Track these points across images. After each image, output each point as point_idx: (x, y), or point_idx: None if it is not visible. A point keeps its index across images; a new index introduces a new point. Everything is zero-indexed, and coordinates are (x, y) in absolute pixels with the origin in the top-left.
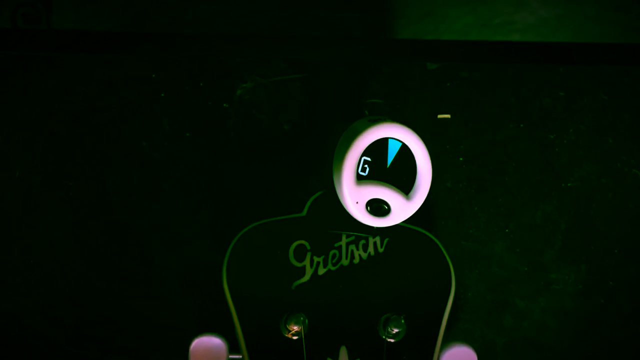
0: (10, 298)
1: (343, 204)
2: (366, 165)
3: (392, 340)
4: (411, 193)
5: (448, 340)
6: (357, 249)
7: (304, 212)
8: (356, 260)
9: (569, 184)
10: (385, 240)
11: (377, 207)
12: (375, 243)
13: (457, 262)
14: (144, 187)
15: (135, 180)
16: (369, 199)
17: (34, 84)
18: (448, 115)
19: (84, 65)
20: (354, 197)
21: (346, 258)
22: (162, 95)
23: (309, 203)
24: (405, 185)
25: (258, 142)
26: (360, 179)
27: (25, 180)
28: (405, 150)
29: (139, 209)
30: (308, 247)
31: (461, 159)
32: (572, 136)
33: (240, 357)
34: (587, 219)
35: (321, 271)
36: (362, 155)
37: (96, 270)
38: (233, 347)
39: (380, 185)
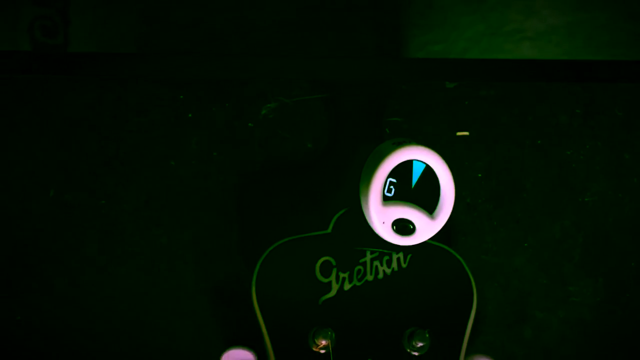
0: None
1: (370, 224)
2: (392, 187)
3: (416, 354)
4: (435, 212)
5: (470, 353)
6: (381, 265)
7: (330, 229)
8: (380, 276)
9: (585, 199)
10: (409, 257)
11: (403, 227)
12: (398, 259)
13: (478, 276)
14: (173, 205)
15: (164, 199)
16: (395, 218)
17: (58, 106)
18: (467, 133)
19: (111, 87)
20: (381, 218)
21: (371, 274)
22: (190, 115)
23: (334, 220)
24: (429, 204)
25: (283, 161)
26: (386, 199)
27: (58, 199)
28: (428, 171)
29: (168, 226)
30: (334, 263)
31: (480, 175)
32: (588, 152)
33: None
34: (604, 234)
35: (347, 287)
36: (388, 177)
37: (126, 287)
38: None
39: (406, 205)
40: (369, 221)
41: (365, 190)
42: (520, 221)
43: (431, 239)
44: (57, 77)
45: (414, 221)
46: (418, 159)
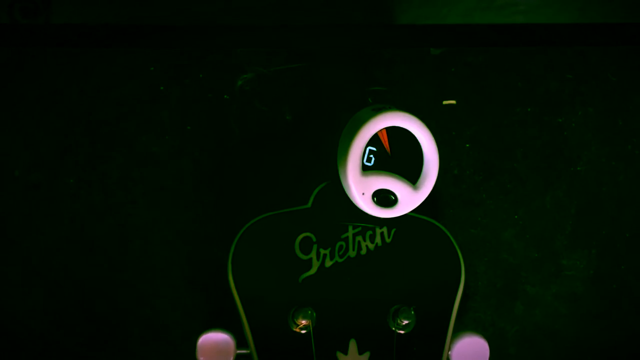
0: (10, 298)
1: (349, 195)
2: (372, 156)
3: (402, 332)
4: (418, 182)
5: (459, 330)
6: (364, 240)
7: (309, 204)
8: (363, 252)
9: (578, 168)
10: (393, 231)
11: (384, 198)
12: (382, 234)
13: (466, 250)
14: (145, 183)
15: (135, 176)
16: (375, 189)
17: (31, 79)
18: (454, 102)
19: (81, 59)
20: (360, 188)
21: (353, 249)
22: (162, 88)
23: (314, 194)
24: (412, 174)
25: (260, 134)
26: (365, 169)
27: (25, 178)
28: (411, 139)
29: (139, 205)
30: (314, 240)
31: (468, 145)
32: (580, 119)
33: (248, 352)
34: (598, 203)
35: (328, 263)
36: (367, 145)
37: (98, 268)
38: (241, 343)
39: (387, 175)
40: (347, 192)
41: (343, 159)
42: (510, 192)
43: (416, 211)
44: (24, 49)
45: (395, 192)
46: (399, 125)
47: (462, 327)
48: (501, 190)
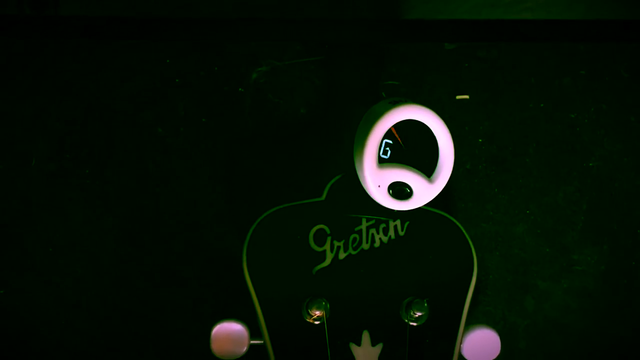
0: (27, 287)
1: (365, 187)
2: (388, 148)
3: (415, 324)
4: (433, 175)
5: (470, 323)
6: (378, 233)
7: (323, 197)
8: (377, 244)
9: (590, 164)
10: (406, 224)
11: (400, 190)
12: (395, 227)
13: (478, 244)
14: (160, 174)
15: (151, 167)
16: (390, 182)
17: (47, 71)
18: (467, 96)
19: (98, 51)
20: (376, 181)
21: (367, 242)
22: (177, 80)
23: (328, 187)
24: (427, 167)
25: (275, 126)
26: (382, 162)
27: (41, 168)
28: (426, 132)
29: (155, 196)
30: (328, 232)
31: (480, 140)
32: (593, 115)
33: (262, 342)
34: (609, 199)
35: (342, 255)
36: (383, 138)
37: (115, 258)
38: (254, 333)
39: (402, 167)
40: (363, 185)
41: (360, 151)
42: (522, 187)
43: (430, 205)
44: (41, 41)
45: (411, 184)
46: (415, 118)
47: (473, 321)
48: (513, 185)
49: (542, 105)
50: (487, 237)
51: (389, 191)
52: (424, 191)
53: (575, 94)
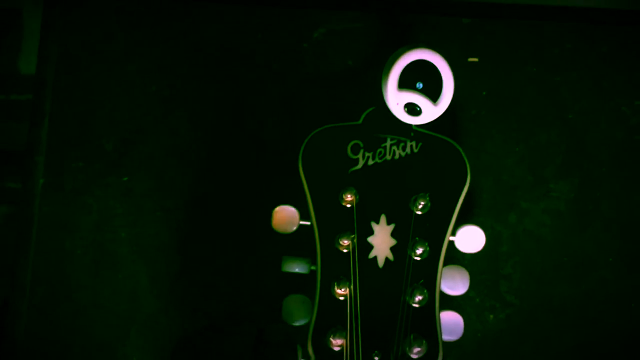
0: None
1: (388, 106)
2: (420, 84)
3: (419, 213)
4: (438, 100)
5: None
6: (398, 149)
7: (360, 121)
8: (396, 157)
9: (570, 116)
10: (420, 144)
11: (412, 109)
12: (411, 145)
13: (476, 170)
14: (237, 105)
15: (231, 102)
16: (406, 102)
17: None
18: (476, 59)
19: (187, 13)
20: (395, 100)
21: (389, 155)
22: (259, 36)
23: (364, 115)
24: (434, 95)
25: (329, 73)
26: (401, 87)
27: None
28: (435, 70)
29: (233, 120)
30: (361, 145)
31: (484, 93)
32: (575, 79)
33: (309, 223)
34: (582, 144)
35: (370, 162)
36: (418, 81)
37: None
38: (303, 215)
39: (415, 92)
40: (387, 103)
41: (386, 79)
42: (514, 131)
43: (439, 132)
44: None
45: (420, 105)
46: (425, 58)
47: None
48: (507, 128)
49: (534, 69)
50: (484, 165)
51: (404, 108)
52: (430, 111)
53: (561, 62)
